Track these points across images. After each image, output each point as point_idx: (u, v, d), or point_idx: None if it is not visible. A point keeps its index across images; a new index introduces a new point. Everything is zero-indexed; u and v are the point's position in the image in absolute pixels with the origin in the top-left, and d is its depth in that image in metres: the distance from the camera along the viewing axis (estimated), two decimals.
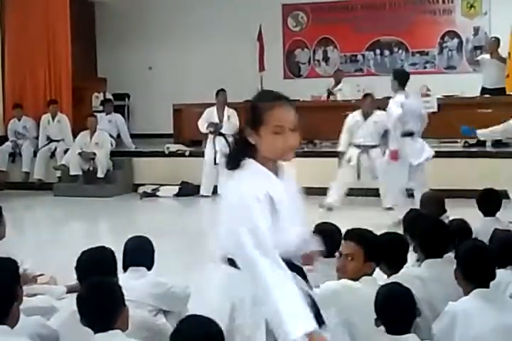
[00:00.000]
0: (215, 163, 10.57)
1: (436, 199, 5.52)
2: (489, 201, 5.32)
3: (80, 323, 2.93)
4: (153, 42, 14.40)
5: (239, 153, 2.62)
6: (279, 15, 14.18)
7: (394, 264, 3.73)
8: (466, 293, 3.19)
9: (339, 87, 12.13)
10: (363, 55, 13.82)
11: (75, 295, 3.03)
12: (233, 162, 2.60)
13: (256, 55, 13.79)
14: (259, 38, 13.83)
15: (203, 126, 10.89)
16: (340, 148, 8.96)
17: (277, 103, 2.58)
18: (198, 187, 10.86)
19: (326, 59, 14.12)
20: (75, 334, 3.15)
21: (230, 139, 10.70)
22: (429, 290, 3.49)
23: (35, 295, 4.59)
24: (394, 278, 3.54)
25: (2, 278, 2.92)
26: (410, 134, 7.96)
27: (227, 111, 10.87)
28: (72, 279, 5.21)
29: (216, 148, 10.68)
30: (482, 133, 7.58)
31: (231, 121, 10.71)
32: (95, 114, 12.02)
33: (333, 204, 8.63)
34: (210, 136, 10.83)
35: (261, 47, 13.86)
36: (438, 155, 10.03)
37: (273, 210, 2.51)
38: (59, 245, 7.51)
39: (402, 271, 3.72)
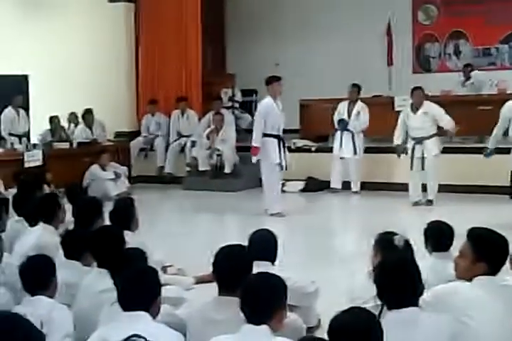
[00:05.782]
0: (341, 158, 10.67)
1: None
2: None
3: (207, 313, 2.97)
4: (281, 39, 14.44)
5: None
6: (408, 9, 13.87)
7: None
8: None
9: (471, 81, 11.76)
10: (497, 48, 13.31)
11: (202, 286, 3.09)
12: None
13: (384, 49, 13.58)
14: (388, 32, 13.61)
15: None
16: None
17: None
18: (324, 182, 10.83)
19: (457, 53, 13.70)
20: (202, 324, 3.22)
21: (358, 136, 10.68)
22: None
23: (164, 285, 4.73)
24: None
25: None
26: None
27: (358, 106, 10.76)
28: (200, 271, 5.35)
29: (343, 143, 10.66)
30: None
31: (359, 118, 10.63)
32: (221, 111, 12.11)
33: None
34: (338, 132, 10.78)
35: (389, 41, 13.63)
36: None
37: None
38: (187, 237, 7.69)
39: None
